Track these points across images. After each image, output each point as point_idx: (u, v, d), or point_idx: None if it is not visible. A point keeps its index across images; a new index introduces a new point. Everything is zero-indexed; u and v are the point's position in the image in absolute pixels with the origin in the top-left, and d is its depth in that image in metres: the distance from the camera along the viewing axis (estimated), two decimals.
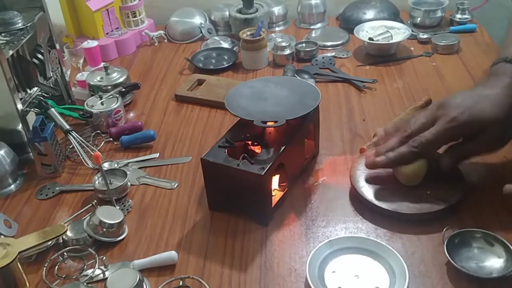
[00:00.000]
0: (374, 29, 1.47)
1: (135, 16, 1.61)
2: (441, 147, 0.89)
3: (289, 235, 0.89)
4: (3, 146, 1.06)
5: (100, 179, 1.00)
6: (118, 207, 0.96)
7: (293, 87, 1.01)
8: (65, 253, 0.87)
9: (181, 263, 0.85)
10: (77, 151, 1.09)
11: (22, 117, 1.08)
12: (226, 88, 1.26)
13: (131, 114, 1.29)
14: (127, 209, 0.98)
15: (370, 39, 1.42)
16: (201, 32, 1.62)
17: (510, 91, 0.86)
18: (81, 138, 1.11)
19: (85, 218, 0.92)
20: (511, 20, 0.93)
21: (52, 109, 1.14)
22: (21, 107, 1.08)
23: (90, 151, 1.10)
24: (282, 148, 0.90)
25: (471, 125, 0.85)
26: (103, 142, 1.17)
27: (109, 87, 1.27)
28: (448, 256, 0.78)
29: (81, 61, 1.43)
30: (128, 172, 1.03)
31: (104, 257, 0.85)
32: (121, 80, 1.29)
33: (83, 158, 1.08)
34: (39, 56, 1.21)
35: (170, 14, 1.66)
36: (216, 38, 1.59)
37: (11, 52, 1.06)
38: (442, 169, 0.89)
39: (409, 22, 1.60)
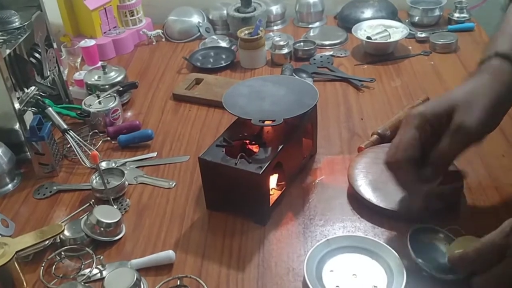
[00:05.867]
0: (372, 28, 1.47)
1: (132, 15, 1.61)
2: (417, 143, 0.76)
3: (287, 234, 0.89)
4: (1, 145, 1.05)
5: (97, 178, 1.00)
6: (115, 207, 0.96)
7: (291, 86, 1.01)
8: (62, 253, 0.87)
9: (179, 262, 0.85)
10: (75, 150, 1.09)
11: (19, 116, 1.08)
12: (224, 87, 1.26)
13: (129, 113, 1.28)
14: (124, 209, 0.97)
15: (368, 38, 1.42)
16: (199, 31, 1.62)
17: (479, 79, 0.78)
18: (78, 138, 1.11)
19: (82, 218, 0.92)
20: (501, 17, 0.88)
21: (50, 108, 1.14)
22: (19, 106, 1.08)
23: (88, 151, 1.10)
24: (280, 147, 0.90)
25: (435, 111, 0.76)
26: (100, 142, 1.17)
27: (107, 86, 1.27)
28: (413, 254, 0.77)
29: (79, 60, 1.43)
30: (125, 172, 1.03)
31: (102, 257, 0.85)
32: (118, 79, 1.29)
33: (80, 157, 1.08)
34: (37, 55, 1.20)
35: (168, 13, 1.66)
36: (214, 37, 1.59)
37: (8, 51, 1.06)
38: (430, 180, 0.77)
39: (407, 21, 1.60)
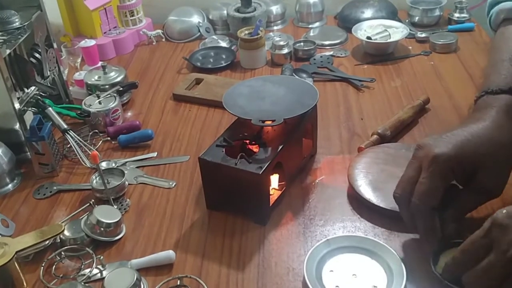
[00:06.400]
0: (372, 28, 1.47)
1: (133, 15, 1.61)
2: (441, 193, 0.75)
3: (287, 234, 0.89)
4: (1, 145, 1.05)
5: (97, 178, 1.00)
6: (115, 207, 0.96)
7: (291, 86, 1.01)
8: (62, 253, 0.87)
9: (179, 262, 0.85)
10: (75, 150, 1.09)
11: (19, 116, 1.08)
12: (224, 87, 1.25)
13: (129, 113, 1.28)
14: (124, 209, 0.97)
15: (368, 38, 1.42)
16: (199, 31, 1.62)
17: (499, 123, 0.77)
18: (78, 138, 1.11)
19: (82, 218, 0.92)
20: (488, 47, 0.88)
21: (50, 108, 1.14)
22: (19, 106, 1.08)
23: (88, 151, 1.10)
24: (280, 147, 0.90)
25: (460, 160, 0.74)
26: (100, 142, 1.17)
27: (107, 86, 1.27)
28: (433, 268, 0.76)
29: (79, 60, 1.43)
30: (125, 172, 1.03)
31: (102, 257, 0.85)
32: (119, 79, 1.29)
33: (80, 157, 1.08)
34: (37, 55, 1.20)
35: (168, 13, 1.66)
36: (214, 37, 1.59)
37: (8, 51, 1.06)
38: (450, 236, 0.77)
39: (407, 21, 1.60)
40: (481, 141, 0.75)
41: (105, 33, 1.58)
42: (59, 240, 0.90)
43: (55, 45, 1.24)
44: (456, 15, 1.56)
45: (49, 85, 1.24)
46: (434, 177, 0.74)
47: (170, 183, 1.03)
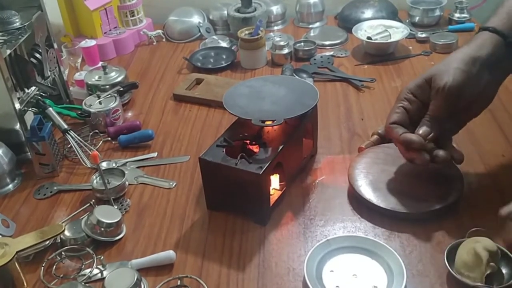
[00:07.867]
0: (373, 28, 1.47)
1: (133, 15, 1.61)
2: (402, 112, 0.88)
3: (287, 235, 0.89)
4: (1, 145, 1.05)
5: (98, 178, 1.00)
6: (116, 207, 0.96)
7: (291, 86, 1.01)
8: (63, 253, 0.87)
9: (179, 262, 0.85)
10: (75, 150, 1.09)
11: (20, 116, 1.08)
12: (224, 87, 1.26)
13: (129, 114, 1.29)
14: (125, 209, 0.97)
15: (369, 38, 1.42)
16: (200, 31, 1.62)
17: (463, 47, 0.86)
18: (79, 138, 1.11)
19: (83, 218, 0.92)
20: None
21: (50, 108, 1.14)
22: (19, 107, 1.08)
23: (88, 151, 1.10)
24: (280, 147, 0.90)
25: (418, 84, 0.87)
26: (101, 142, 1.17)
27: (107, 86, 1.27)
28: (447, 265, 0.77)
29: (79, 60, 1.43)
30: (126, 172, 1.03)
31: (102, 257, 0.85)
32: (119, 79, 1.29)
33: (81, 157, 1.08)
34: (37, 55, 1.21)
35: (169, 13, 1.66)
36: (214, 37, 1.59)
37: (8, 52, 1.06)
38: (440, 161, 0.85)
39: (407, 21, 1.60)
40: (442, 62, 0.86)
41: (105, 33, 1.58)
42: (59, 240, 0.90)
43: (55, 45, 1.25)
44: (457, 15, 1.56)
45: (49, 85, 1.24)
46: (395, 102, 0.89)
47: (171, 183, 1.03)
